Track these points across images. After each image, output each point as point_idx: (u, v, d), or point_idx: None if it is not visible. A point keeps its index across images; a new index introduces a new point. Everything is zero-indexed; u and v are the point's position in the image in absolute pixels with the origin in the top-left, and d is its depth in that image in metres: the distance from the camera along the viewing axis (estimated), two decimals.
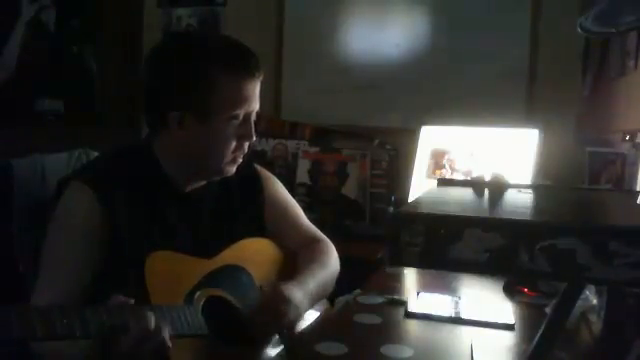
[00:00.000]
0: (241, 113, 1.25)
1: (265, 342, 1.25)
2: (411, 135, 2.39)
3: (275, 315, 1.21)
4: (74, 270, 1.16)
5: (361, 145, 2.72)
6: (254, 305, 1.24)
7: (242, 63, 1.24)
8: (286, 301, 1.22)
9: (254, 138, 1.29)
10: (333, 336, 1.22)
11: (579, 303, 1.17)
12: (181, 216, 1.30)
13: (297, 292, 1.26)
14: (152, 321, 0.98)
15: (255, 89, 1.27)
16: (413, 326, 1.31)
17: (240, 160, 1.32)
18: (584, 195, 1.13)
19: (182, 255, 1.21)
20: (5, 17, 2.70)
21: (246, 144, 1.29)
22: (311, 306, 1.33)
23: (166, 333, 1.00)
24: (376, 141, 2.71)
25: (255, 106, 1.28)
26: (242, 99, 1.24)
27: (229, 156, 1.28)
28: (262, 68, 1.27)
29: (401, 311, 1.36)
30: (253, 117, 1.28)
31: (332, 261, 1.46)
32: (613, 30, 1.31)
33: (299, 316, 1.26)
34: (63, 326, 0.89)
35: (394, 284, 1.56)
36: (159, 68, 1.27)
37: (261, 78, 1.27)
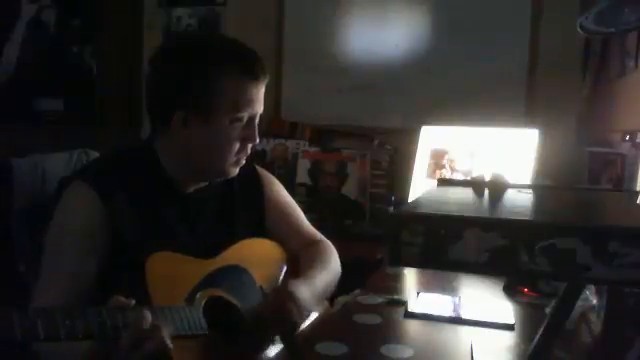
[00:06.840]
0: (245, 116, 1.25)
1: (267, 343, 1.25)
2: (411, 135, 2.39)
3: (281, 312, 1.20)
4: (75, 270, 1.16)
5: (361, 145, 2.72)
6: (256, 304, 1.24)
7: (247, 66, 1.24)
8: (292, 298, 1.22)
9: (257, 140, 1.29)
10: (333, 336, 1.22)
11: (579, 303, 1.17)
12: (182, 217, 1.30)
13: (304, 290, 1.26)
14: (152, 321, 0.98)
15: (259, 92, 1.27)
16: (413, 326, 1.32)
17: (243, 162, 1.32)
18: (584, 195, 1.13)
19: (183, 256, 1.21)
20: (5, 17, 2.70)
21: (249, 146, 1.29)
22: (316, 305, 1.33)
23: (166, 333, 1.00)
24: (376, 141, 2.71)
25: (259, 109, 1.28)
26: (246, 102, 1.24)
27: (232, 158, 1.28)
28: (267, 71, 1.27)
29: (401, 311, 1.37)
30: (257, 120, 1.29)
31: (333, 262, 1.47)
32: (613, 30, 1.31)
33: (305, 314, 1.26)
34: (65, 327, 0.89)
35: (394, 284, 1.56)
36: (165, 69, 1.26)
37: (266, 81, 1.27)
